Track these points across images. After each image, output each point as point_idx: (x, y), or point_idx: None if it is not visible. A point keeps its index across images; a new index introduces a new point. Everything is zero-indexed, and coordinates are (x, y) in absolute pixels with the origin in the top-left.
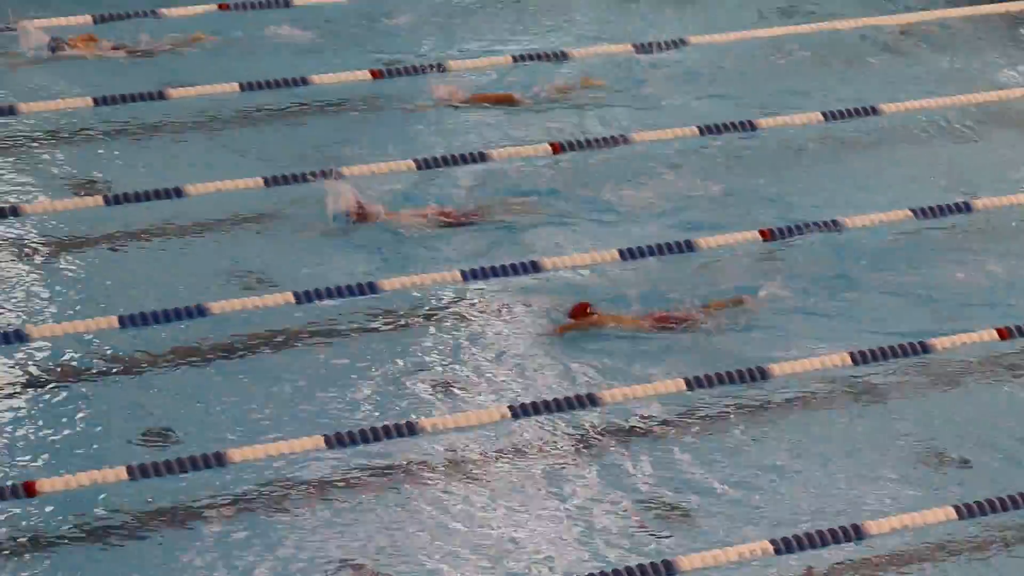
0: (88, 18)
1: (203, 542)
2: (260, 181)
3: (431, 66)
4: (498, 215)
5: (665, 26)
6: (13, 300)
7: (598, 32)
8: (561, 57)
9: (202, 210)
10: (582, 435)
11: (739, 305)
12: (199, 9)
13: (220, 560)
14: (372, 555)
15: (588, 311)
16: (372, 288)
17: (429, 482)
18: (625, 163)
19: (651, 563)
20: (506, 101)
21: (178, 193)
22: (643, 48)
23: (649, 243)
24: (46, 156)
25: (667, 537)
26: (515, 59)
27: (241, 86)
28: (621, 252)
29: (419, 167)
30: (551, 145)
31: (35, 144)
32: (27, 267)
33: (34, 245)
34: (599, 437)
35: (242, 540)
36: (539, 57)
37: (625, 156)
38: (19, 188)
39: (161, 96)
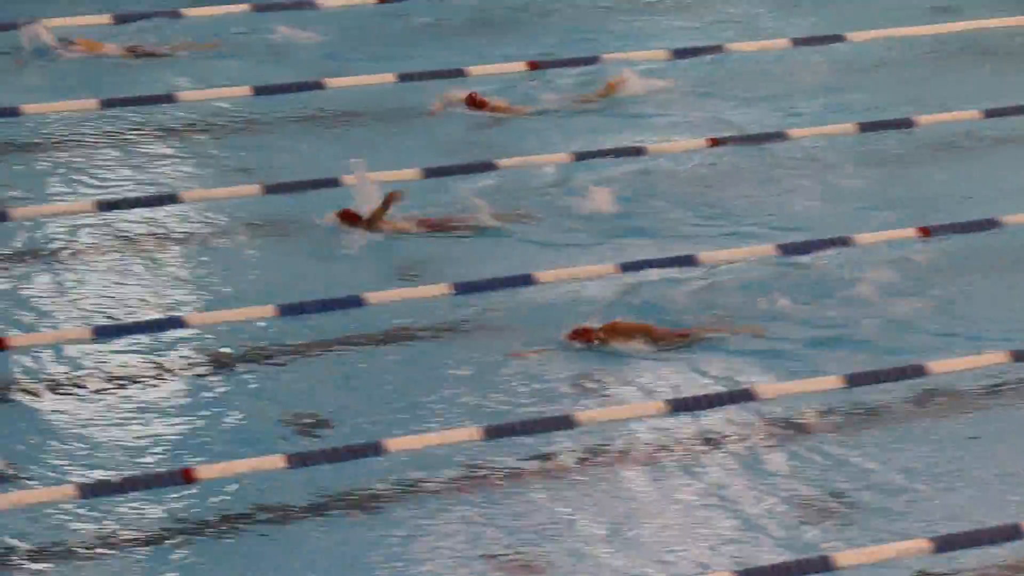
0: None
1: (361, 530)
2: (418, 172)
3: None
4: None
5: (822, 21)
6: (172, 287)
7: (751, 26)
8: (716, 50)
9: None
10: (737, 430)
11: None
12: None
13: (380, 549)
14: (535, 550)
15: (591, 335)
16: (528, 280)
17: (588, 476)
18: (777, 159)
19: (807, 559)
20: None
21: (335, 183)
22: (800, 43)
23: (806, 238)
24: (205, 145)
25: (824, 533)
26: (672, 53)
27: (399, 77)
28: (778, 247)
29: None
30: (709, 140)
31: (194, 132)
32: (186, 254)
33: (193, 232)
34: (755, 432)
35: (400, 528)
36: (696, 52)
37: (777, 152)
38: (178, 175)
39: (319, 86)
